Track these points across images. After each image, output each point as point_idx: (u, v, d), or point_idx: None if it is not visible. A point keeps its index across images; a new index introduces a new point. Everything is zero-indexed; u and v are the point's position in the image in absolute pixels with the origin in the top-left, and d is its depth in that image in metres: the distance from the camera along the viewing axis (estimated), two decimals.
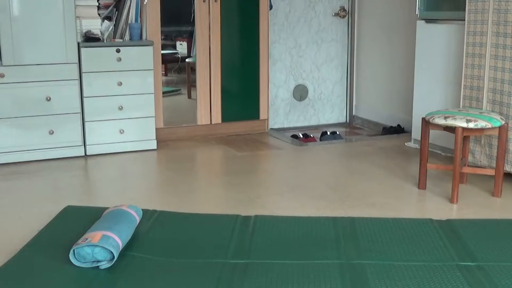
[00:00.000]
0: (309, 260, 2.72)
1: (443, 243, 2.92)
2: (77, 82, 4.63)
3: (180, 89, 5.77)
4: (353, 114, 6.35)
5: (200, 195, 3.91)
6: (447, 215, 3.43)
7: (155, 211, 3.37)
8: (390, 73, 5.84)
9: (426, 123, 3.79)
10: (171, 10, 5.36)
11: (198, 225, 3.19)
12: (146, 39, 4.99)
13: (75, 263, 2.63)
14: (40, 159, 4.59)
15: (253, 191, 3.91)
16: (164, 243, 2.91)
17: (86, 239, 2.66)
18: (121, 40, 4.87)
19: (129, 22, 4.92)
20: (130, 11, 4.92)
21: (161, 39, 5.15)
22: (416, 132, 4.90)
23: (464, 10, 4.23)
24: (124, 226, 2.88)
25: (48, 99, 4.56)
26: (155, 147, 4.94)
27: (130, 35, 4.90)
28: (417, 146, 4.92)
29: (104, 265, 2.63)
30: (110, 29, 4.82)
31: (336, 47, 6.20)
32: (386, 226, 3.15)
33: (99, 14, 4.86)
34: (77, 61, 4.60)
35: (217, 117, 5.42)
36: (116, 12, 4.92)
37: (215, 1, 5.23)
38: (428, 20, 4.77)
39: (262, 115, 5.60)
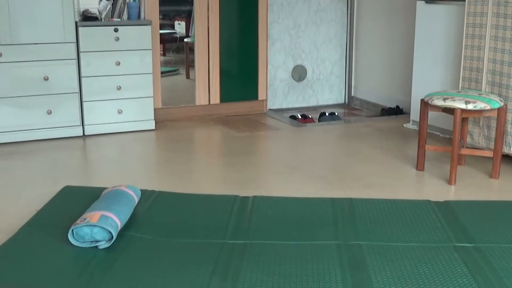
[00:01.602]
0: (307, 241, 2.73)
1: (440, 224, 2.93)
2: (75, 61, 4.61)
3: (179, 69, 5.75)
4: (352, 95, 6.34)
5: (199, 175, 3.91)
6: (445, 196, 3.44)
7: (153, 191, 3.38)
8: (389, 54, 5.82)
9: (425, 105, 3.79)
10: None
11: (197, 206, 3.20)
12: (144, 18, 4.96)
13: (73, 243, 2.64)
14: (38, 139, 4.59)
15: (251, 172, 3.91)
16: (162, 224, 2.92)
17: (85, 219, 2.67)
18: (119, 19, 4.84)
19: (127, 1, 4.89)
20: None
21: (160, 19, 5.13)
22: (414, 114, 4.90)
23: None
24: (123, 206, 2.88)
25: (46, 79, 4.54)
26: (154, 127, 4.94)
27: (128, 14, 4.87)
28: (415, 127, 4.92)
29: (103, 245, 2.64)
30: (108, 8, 4.79)
31: (335, 28, 6.17)
32: (384, 207, 3.16)
33: None
34: (75, 40, 4.58)
35: (215, 98, 5.41)
36: None
37: None
38: (428, 1, 4.74)
39: (261, 96, 5.59)
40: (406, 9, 5.49)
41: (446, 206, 3.18)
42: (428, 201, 3.25)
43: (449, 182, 3.65)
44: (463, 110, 3.59)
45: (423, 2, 4.78)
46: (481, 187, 3.63)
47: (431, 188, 3.62)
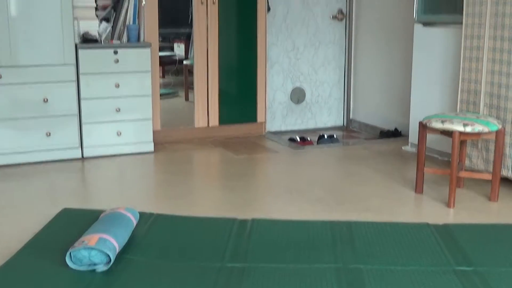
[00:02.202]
0: (306, 264, 2.72)
1: (439, 248, 2.93)
2: (75, 83, 4.63)
3: (178, 91, 5.77)
4: (351, 117, 6.35)
5: (197, 198, 3.91)
6: (444, 219, 3.44)
7: (152, 214, 3.37)
8: (388, 77, 5.85)
9: (423, 127, 3.80)
10: (169, 11, 5.37)
11: (195, 228, 3.19)
12: (143, 41, 4.99)
13: (71, 266, 2.63)
14: (37, 161, 4.59)
15: (250, 194, 3.91)
16: (161, 246, 2.91)
17: (83, 241, 2.66)
18: (119, 41, 4.87)
19: (127, 23, 4.92)
20: (128, 12, 4.92)
21: (159, 41, 5.16)
22: (413, 136, 4.91)
23: (462, 13, 4.24)
24: (121, 229, 2.88)
25: (45, 101, 4.55)
26: (152, 150, 4.94)
27: (128, 36, 4.90)
28: (414, 150, 4.93)
29: (101, 268, 2.63)
30: (107, 31, 4.82)
31: (333, 50, 6.21)
32: (383, 230, 3.15)
33: (97, 16, 4.86)
34: (74, 62, 4.60)
35: (214, 120, 5.43)
36: (114, 14, 4.93)
37: (213, 3, 5.24)
38: (426, 24, 4.78)
39: (260, 118, 5.61)
40: (404, 31, 5.52)
41: (445, 229, 3.17)
42: (427, 224, 3.24)
43: (448, 205, 3.65)
44: (461, 133, 3.60)
45: (420, 25, 4.82)
46: (480, 210, 3.63)
47: (430, 211, 3.61)
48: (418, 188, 3.89)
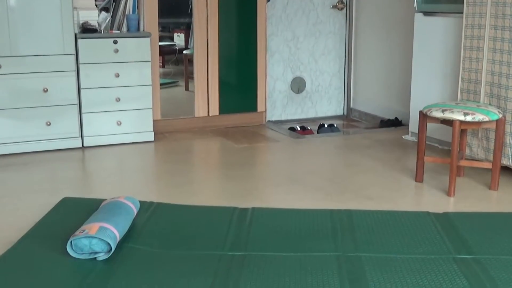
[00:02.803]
0: (306, 253, 2.73)
1: (439, 236, 2.93)
2: (74, 73, 4.62)
3: (178, 81, 5.76)
4: (351, 106, 6.35)
5: (198, 187, 3.91)
6: (444, 208, 3.44)
7: (152, 203, 3.37)
8: (388, 66, 5.84)
9: (424, 116, 3.80)
10: (169, 1, 5.35)
11: (196, 217, 3.19)
12: (143, 30, 4.98)
13: (72, 255, 2.64)
14: (37, 150, 4.59)
15: (250, 183, 3.91)
16: (161, 235, 2.92)
17: (84, 230, 2.67)
18: (119, 31, 4.86)
19: (126, 13, 4.90)
20: (127, 2, 4.91)
21: (159, 31, 5.14)
22: (413, 125, 4.90)
23: (463, 3, 4.23)
24: (122, 218, 2.88)
25: (45, 90, 4.55)
26: (153, 139, 4.94)
27: (128, 26, 4.89)
28: (414, 139, 4.93)
29: (102, 256, 2.64)
30: (107, 20, 4.81)
31: (334, 40, 6.19)
32: (383, 219, 3.15)
33: (96, 5, 4.85)
34: (74, 52, 4.59)
35: (214, 109, 5.42)
36: (114, 3, 4.91)
37: None
38: (426, 13, 4.76)
39: (260, 108, 5.60)
40: (404, 21, 5.51)
41: (445, 218, 3.18)
42: (427, 213, 3.24)
43: (448, 193, 3.65)
44: (461, 122, 3.60)
45: (421, 14, 4.80)
46: (480, 198, 3.63)
47: (430, 199, 3.62)
48: (418, 177, 3.89)
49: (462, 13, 4.25)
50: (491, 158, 3.96)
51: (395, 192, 3.74)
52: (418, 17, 4.83)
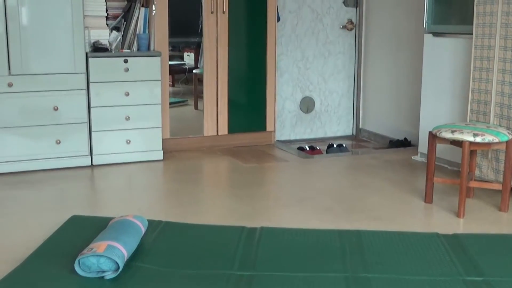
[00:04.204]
0: (315, 273, 2.71)
1: (449, 258, 2.91)
2: (85, 92, 4.65)
3: (187, 100, 5.78)
4: (360, 127, 6.34)
5: (206, 206, 3.91)
6: (454, 229, 3.41)
7: (160, 221, 3.37)
8: (397, 86, 5.84)
9: (433, 137, 3.79)
10: (179, 21, 5.39)
11: (204, 236, 3.18)
12: (153, 49, 5.01)
13: (80, 273, 2.63)
14: (46, 168, 4.61)
15: (259, 203, 3.90)
16: (169, 254, 2.91)
17: (92, 249, 2.66)
18: (129, 50, 4.89)
19: (137, 32, 4.94)
20: (138, 21, 4.95)
21: (169, 50, 5.17)
22: (423, 146, 4.89)
23: (472, 24, 4.24)
24: (130, 237, 2.87)
25: (56, 109, 4.57)
26: (161, 158, 4.95)
27: (138, 45, 4.93)
28: (423, 159, 4.91)
29: (109, 275, 2.63)
30: (118, 40, 4.84)
31: (343, 60, 6.21)
32: (392, 240, 3.13)
33: (107, 25, 4.89)
34: (85, 71, 4.62)
35: (223, 128, 5.43)
36: (125, 23, 4.95)
37: (223, 12, 5.25)
38: (436, 34, 4.77)
39: (269, 127, 5.60)
40: (413, 41, 5.52)
41: (455, 239, 3.15)
42: (437, 234, 3.22)
43: (458, 215, 3.63)
44: (471, 143, 3.59)
45: (430, 35, 4.81)
46: (490, 220, 3.61)
47: (440, 220, 3.59)
48: (428, 197, 3.87)
49: (472, 34, 4.25)
50: (501, 179, 3.94)
51: (404, 213, 3.73)
52: (428, 38, 4.83)
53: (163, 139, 5.01)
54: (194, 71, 5.69)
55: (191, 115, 5.69)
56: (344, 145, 5.70)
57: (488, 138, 3.58)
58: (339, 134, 6.33)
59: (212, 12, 5.22)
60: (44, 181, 4.35)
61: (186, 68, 5.76)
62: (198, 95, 5.58)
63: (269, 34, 5.46)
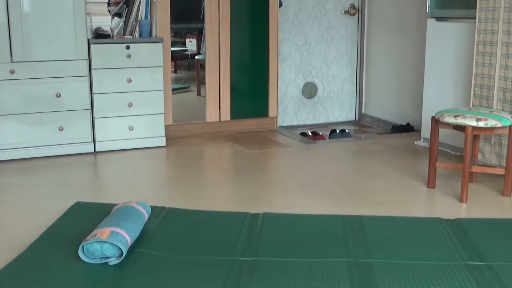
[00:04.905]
0: (317, 258, 2.72)
1: (452, 242, 2.91)
2: (87, 78, 4.64)
3: (189, 86, 5.78)
4: (363, 112, 6.33)
5: (209, 192, 3.91)
6: (456, 214, 3.42)
7: (163, 208, 3.38)
8: (400, 71, 5.82)
9: (436, 122, 3.78)
10: (181, 7, 5.37)
11: (207, 222, 3.19)
12: (155, 36, 5.00)
13: (84, 259, 2.65)
14: (49, 155, 4.61)
15: (261, 189, 3.91)
16: (172, 240, 2.92)
17: (95, 235, 2.68)
18: (131, 37, 4.88)
19: (139, 19, 4.93)
20: (140, 8, 4.93)
21: (171, 36, 5.16)
22: (425, 131, 4.88)
23: (475, 8, 4.21)
24: (133, 223, 2.89)
25: (58, 96, 4.57)
26: (164, 144, 4.95)
27: (140, 32, 4.91)
28: (426, 144, 4.91)
29: (113, 261, 2.64)
30: (120, 26, 4.83)
31: (346, 45, 6.19)
32: (395, 225, 3.14)
33: (109, 11, 4.87)
34: (87, 57, 4.62)
35: (226, 114, 5.43)
36: (126, 9, 4.93)
37: None
38: (439, 18, 4.75)
39: (271, 113, 5.60)
40: (416, 26, 5.50)
41: (457, 224, 3.16)
42: (439, 219, 3.23)
43: (461, 199, 3.63)
44: (474, 128, 3.58)
45: (433, 19, 4.78)
46: (492, 205, 3.61)
47: (442, 205, 3.60)
48: (431, 182, 3.87)
49: (475, 18, 4.23)
50: (503, 164, 3.94)
51: (407, 198, 3.73)
52: (431, 22, 4.81)
53: (165, 125, 5.01)
54: (196, 57, 5.68)
55: (193, 101, 5.69)
56: (346, 131, 5.70)
57: (491, 122, 3.58)
58: (341, 119, 6.32)
59: None
60: (47, 168, 4.36)
61: (188, 54, 5.75)
62: (201, 81, 5.58)
63: (271, 19, 5.44)
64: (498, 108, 4.05)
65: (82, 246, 2.66)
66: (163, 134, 4.95)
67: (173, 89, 5.24)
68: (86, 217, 3.18)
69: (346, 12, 6.12)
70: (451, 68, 4.67)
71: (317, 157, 4.82)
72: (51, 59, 4.52)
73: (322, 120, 6.24)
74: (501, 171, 3.75)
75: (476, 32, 4.20)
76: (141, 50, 4.77)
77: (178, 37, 5.70)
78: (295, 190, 3.88)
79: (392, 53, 5.90)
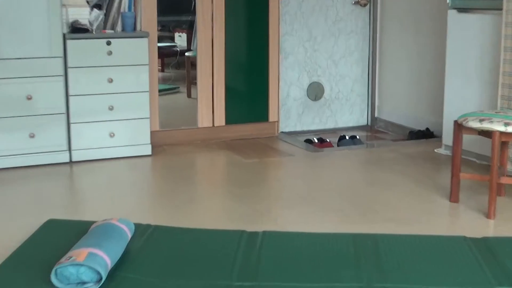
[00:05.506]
0: (325, 283, 2.71)
1: (478, 264, 2.90)
2: (62, 78, 4.64)
3: (179, 87, 5.79)
4: (375, 116, 6.34)
5: (201, 207, 3.90)
6: (483, 232, 3.41)
7: (149, 225, 3.37)
8: (418, 70, 5.83)
9: (459, 127, 3.78)
10: None
11: (198, 242, 3.18)
12: (140, 30, 5.00)
13: (57, 285, 2.63)
14: (19, 165, 4.60)
15: (261, 204, 3.90)
16: (159, 262, 2.91)
17: (70, 257, 2.66)
18: (112, 31, 4.88)
19: (121, 11, 4.93)
20: None
21: (158, 30, 5.17)
22: (447, 137, 4.88)
23: None
24: (114, 243, 2.87)
25: (29, 98, 4.57)
26: (150, 153, 4.95)
27: (123, 25, 4.91)
28: (448, 152, 4.90)
29: (91, 287, 2.62)
30: (100, 19, 4.83)
31: (356, 40, 6.19)
32: (413, 244, 3.13)
33: (87, 2, 4.87)
34: (62, 55, 4.61)
35: (220, 119, 5.42)
36: (107, 0, 4.93)
37: None
38: (461, 10, 4.75)
39: (272, 117, 5.60)
40: (436, 18, 5.50)
41: (484, 243, 3.15)
42: (464, 237, 3.22)
43: (488, 215, 3.62)
44: (502, 133, 3.57)
45: (455, 11, 4.79)
46: None
47: (467, 222, 3.59)
48: (453, 196, 3.87)
49: (502, 9, 4.23)
50: None
51: (427, 213, 3.72)
52: (452, 14, 4.81)
53: (151, 132, 5.01)
54: (186, 53, 5.69)
55: (183, 104, 5.70)
56: (357, 137, 5.70)
57: None
58: (351, 124, 6.32)
59: None
60: (16, 180, 4.35)
61: (177, 50, 5.76)
62: (191, 81, 5.58)
63: (272, 12, 5.45)
64: None
65: (55, 270, 2.64)
66: (149, 142, 4.95)
67: (160, 90, 5.24)
68: (60, 236, 3.16)
69: (356, 2, 6.13)
70: (475, 66, 4.67)
71: (324, 167, 4.82)
72: (21, 56, 4.51)
73: (330, 125, 6.25)
74: None
75: (504, 24, 4.20)
76: (123, 46, 4.76)
77: (166, 31, 5.71)
78: (299, 204, 3.87)
79: (408, 48, 5.90)
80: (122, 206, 3.89)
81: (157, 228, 3.35)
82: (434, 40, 5.56)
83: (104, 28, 4.89)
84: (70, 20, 4.75)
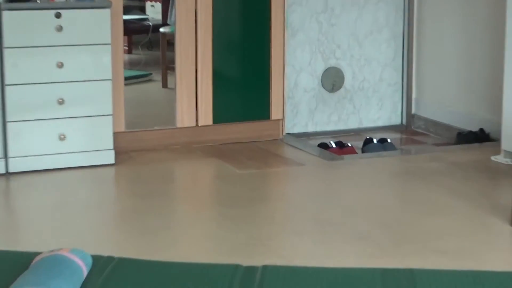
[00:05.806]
0: None
1: None
2: None
3: (151, 74, 5.79)
4: (412, 112, 6.34)
5: (180, 234, 3.91)
6: None
7: (111, 258, 3.35)
8: (468, 54, 5.83)
9: None
10: None
11: (177, 280, 3.17)
12: None
13: None
14: None
15: (260, 229, 3.92)
16: None
17: None
18: (63, 0, 4.88)
19: None
20: None
21: None
22: (508, 141, 4.88)
23: None
24: (65, 281, 2.86)
25: None
26: (113, 162, 4.95)
27: None
28: (509, 161, 4.91)
29: None
30: None
31: (386, 11, 6.20)
32: (462, 282, 3.12)
33: None
34: None
35: (206, 117, 5.42)
36: None
37: None
38: None
39: (275, 114, 5.61)
40: None
41: None
42: None
43: None
44: None
45: None
46: None
47: None
48: None
49: None
50: None
51: (481, 242, 3.73)
52: None
53: (115, 133, 5.00)
54: (161, 29, 5.70)
55: (157, 96, 5.70)
56: (389, 141, 5.70)
57: None
58: (381, 123, 6.32)
59: None
60: None
61: (149, 25, 5.76)
62: (168, 66, 5.58)
63: None
64: None
65: None
66: (111, 147, 4.95)
67: (126, 78, 5.24)
68: None
69: None
70: None
71: (344, 180, 4.82)
72: None
73: (352, 124, 6.25)
74: None
75: None
76: (78, 20, 4.78)
77: (135, 0, 5.72)
78: (311, 231, 3.89)
79: (456, 25, 5.90)
80: (76, 232, 3.89)
81: (121, 261, 3.34)
82: (490, 15, 5.57)
83: None
84: None
